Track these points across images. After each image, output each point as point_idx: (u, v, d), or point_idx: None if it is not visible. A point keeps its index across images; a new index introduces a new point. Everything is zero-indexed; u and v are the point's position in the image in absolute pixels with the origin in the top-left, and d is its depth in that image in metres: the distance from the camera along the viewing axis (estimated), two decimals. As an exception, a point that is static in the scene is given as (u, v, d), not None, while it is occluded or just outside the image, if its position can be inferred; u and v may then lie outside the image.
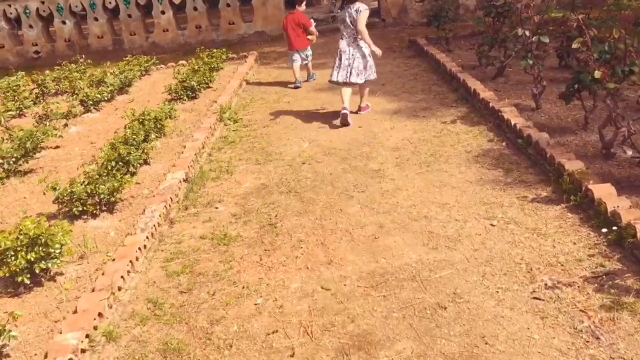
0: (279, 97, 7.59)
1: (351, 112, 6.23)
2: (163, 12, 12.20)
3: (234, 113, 6.92)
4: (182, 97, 7.58)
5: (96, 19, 12.30)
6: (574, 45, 4.53)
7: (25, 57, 12.66)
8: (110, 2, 12.12)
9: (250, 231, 4.00)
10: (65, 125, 6.96)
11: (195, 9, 12.12)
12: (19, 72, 9.00)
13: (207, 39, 12.25)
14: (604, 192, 3.54)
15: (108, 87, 7.94)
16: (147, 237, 3.77)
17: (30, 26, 12.47)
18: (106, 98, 7.80)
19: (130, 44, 12.45)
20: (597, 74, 3.97)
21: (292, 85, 8.09)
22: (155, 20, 12.36)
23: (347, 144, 5.53)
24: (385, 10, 12.11)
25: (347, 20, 6.09)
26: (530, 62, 5.40)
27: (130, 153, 5.02)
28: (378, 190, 4.43)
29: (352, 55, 6.17)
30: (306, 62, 8.16)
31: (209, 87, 8.21)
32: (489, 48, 7.15)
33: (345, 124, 6.08)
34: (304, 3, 8.11)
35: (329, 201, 4.33)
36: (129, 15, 12.24)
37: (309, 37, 8.06)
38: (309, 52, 8.17)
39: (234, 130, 6.34)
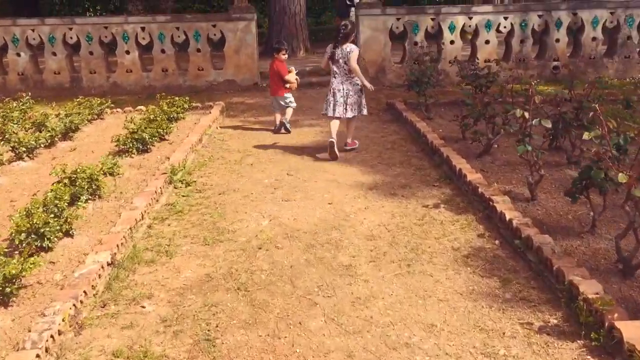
0: (242, 157, 6.77)
1: (339, 149, 6.63)
2: (128, 52, 11.40)
3: (188, 174, 6.05)
4: (131, 150, 6.68)
5: (54, 54, 11.41)
6: (586, 137, 3.86)
7: (-29, 88, 11.63)
8: (71, 38, 11.28)
9: (180, 348, 3.08)
10: (-11, 174, 5.98)
11: (163, 51, 11.36)
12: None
13: (174, 84, 11.47)
14: (636, 333, 2.77)
15: (49, 132, 7.01)
16: (37, 356, 2.81)
17: (-19, 55, 11.51)
18: (44, 145, 6.86)
19: (89, 83, 11.56)
20: (623, 177, 3.26)
21: (273, 129, 8.13)
22: (118, 60, 11.54)
23: (313, 225, 4.70)
24: (363, 70, 11.54)
25: (341, 60, 6.66)
26: (529, 148, 4.73)
27: (48, 223, 4.09)
28: (348, 295, 3.58)
29: (347, 92, 6.76)
30: (286, 106, 8.11)
31: (164, 140, 7.34)
32: (474, 121, 6.53)
33: (333, 157, 6.52)
34: (283, 52, 8.12)
35: (287, 308, 3.46)
36: (91, 53, 11.39)
37: (287, 85, 8.04)
38: (288, 99, 8.10)
39: (184, 196, 5.46)
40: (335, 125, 6.66)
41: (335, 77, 6.75)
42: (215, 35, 11.38)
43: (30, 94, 9.20)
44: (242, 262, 4.08)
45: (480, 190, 4.95)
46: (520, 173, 5.72)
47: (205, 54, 11.43)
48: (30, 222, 3.98)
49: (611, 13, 11.26)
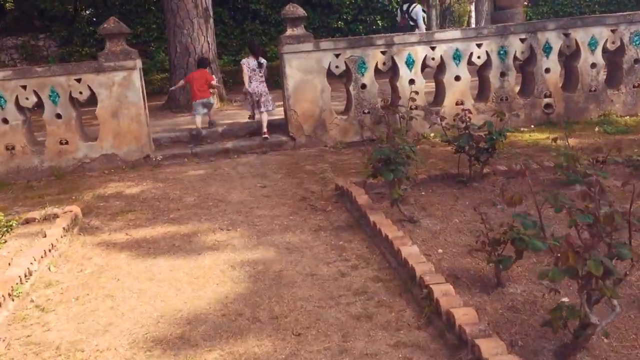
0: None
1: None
2: (-47, 126, 7.82)
3: None
4: None
5: None
6: None
7: None
8: None
9: None
10: None
11: (5, 121, 7.84)
12: None
13: (25, 166, 7.94)
14: None
15: None
16: None
17: None
18: None
19: None
20: None
21: (195, 132, 8.76)
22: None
23: None
24: (295, 125, 8.42)
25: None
26: None
27: None
28: None
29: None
30: (207, 111, 9.19)
31: None
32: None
33: None
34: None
35: None
36: None
37: (211, 90, 9.41)
38: (212, 101, 9.46)
39: None
40: None
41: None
42: (81, 93, 7.97)
43: None
44: None
45: None
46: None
47: (70, 121, 7.98)
48: None
49: (612, 31, 8.62)
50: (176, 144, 8.70)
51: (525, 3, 17.20)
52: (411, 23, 10.44)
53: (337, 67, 8.40)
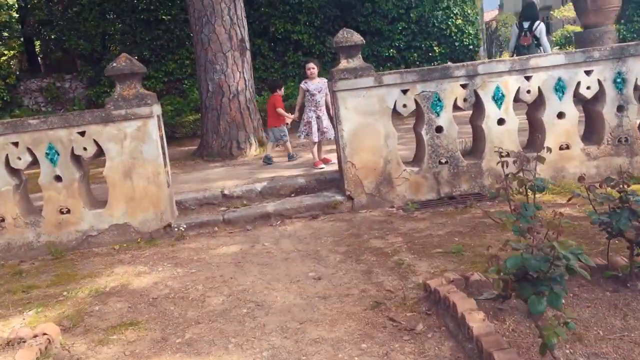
0: None
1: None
2: None
3: None
4: None
5: None
6: None
7: None
8: None
9: None
10: None
11: (-7, 186, 6.31)
12: None
13: (17, 243, 6.37)
14: None
15: None
16: None
17: None
18: None
19: None
20: None
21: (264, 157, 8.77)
22: None
23: None
24: (353, 181, 6.61)
25: None
26: None
27: None
28: None
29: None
30: (282, 141, 8.91)
31: None
32: None
33: None
34: (280, 88, 9.24)
35: None
36: None
37: (287, 119, 8.98)
38: (282, 132, 8.87)
39: None
40: None
41: None
42: (85, 149, 6.38)
43: None
44: None
45: None
46: None
47: (72, 184, 6.39)
48: None
49: None
50: (205, 208, 6.99)
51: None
52: (535, 42, 9.27)
53: (404, 106, 6.59)
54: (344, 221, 6.36)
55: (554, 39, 31.76)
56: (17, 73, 14.63)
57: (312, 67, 8.33)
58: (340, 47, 6.57)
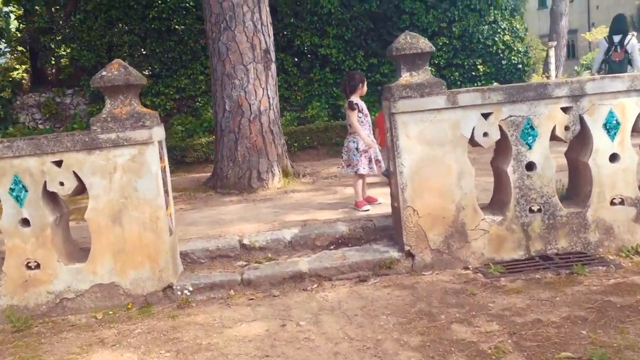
0: None
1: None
2: None
3: None
4: None
5: None
6: None
7: None
8: None
9: None
10: None
11: (-60, 231, 4.72)
12: None
13: (-31, 306, 4.75)
14: None
15: None
16: None
17: None
18: None
19: None
20: None
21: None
22: None
23: None
24: (414, 232, 4.96)
25: None
26: None
27: None
28: None
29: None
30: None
31: None
32: None
33: None
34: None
35: None
36: None
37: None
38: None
39: None
40: None
41: None
42: (62, 184, 4.80)
43: None
44: None
45: None
46: None
47: (43, 230, 4.80)
48: None
49: None
50: (218, 261, 5.37)
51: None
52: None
53: (485, 134, 4.96)
54: (404, 288, 4.70)
55: (583, 62, 30.21)
56: (13, 86, 13.19)
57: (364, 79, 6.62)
58: (401, 56, 4.96)
